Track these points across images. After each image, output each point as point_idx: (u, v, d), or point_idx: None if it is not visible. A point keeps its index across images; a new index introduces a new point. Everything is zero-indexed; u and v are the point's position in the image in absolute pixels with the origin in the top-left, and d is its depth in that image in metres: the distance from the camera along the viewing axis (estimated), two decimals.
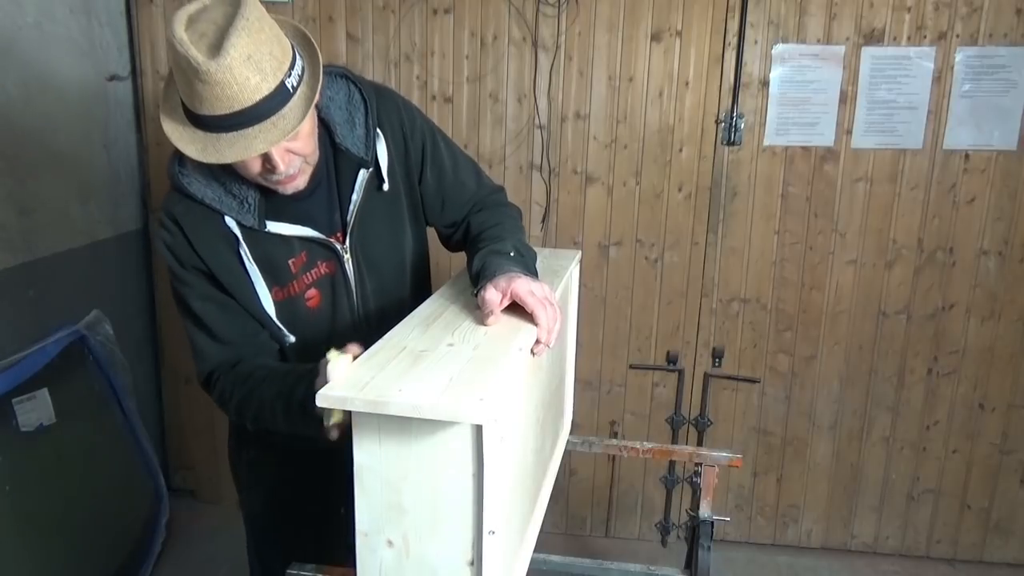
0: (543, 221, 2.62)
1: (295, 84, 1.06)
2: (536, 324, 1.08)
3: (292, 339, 1.28)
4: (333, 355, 0.95)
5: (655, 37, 2.47)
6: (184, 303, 1.25)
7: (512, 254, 1.18)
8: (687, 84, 2.49)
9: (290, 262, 1.26)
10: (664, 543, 2.85)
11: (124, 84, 2.64)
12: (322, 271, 1.29)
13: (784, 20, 2.42)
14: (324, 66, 1.14)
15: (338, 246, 1.28)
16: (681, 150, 2.54)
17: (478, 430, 0.84)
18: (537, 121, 2.55)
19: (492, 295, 1.08)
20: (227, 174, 1.18)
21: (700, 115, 2.51)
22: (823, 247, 2.57)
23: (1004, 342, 2.57)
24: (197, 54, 0.97)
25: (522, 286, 1.08)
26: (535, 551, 1.27)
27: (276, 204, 1.23)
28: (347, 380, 0.88)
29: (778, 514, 2.81)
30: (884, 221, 2.53)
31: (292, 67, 1.06)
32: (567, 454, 1.76)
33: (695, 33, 2.45)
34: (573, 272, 1.64)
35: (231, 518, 2.91)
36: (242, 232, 1.20)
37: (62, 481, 2.14)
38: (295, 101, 1.06)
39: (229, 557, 2.66)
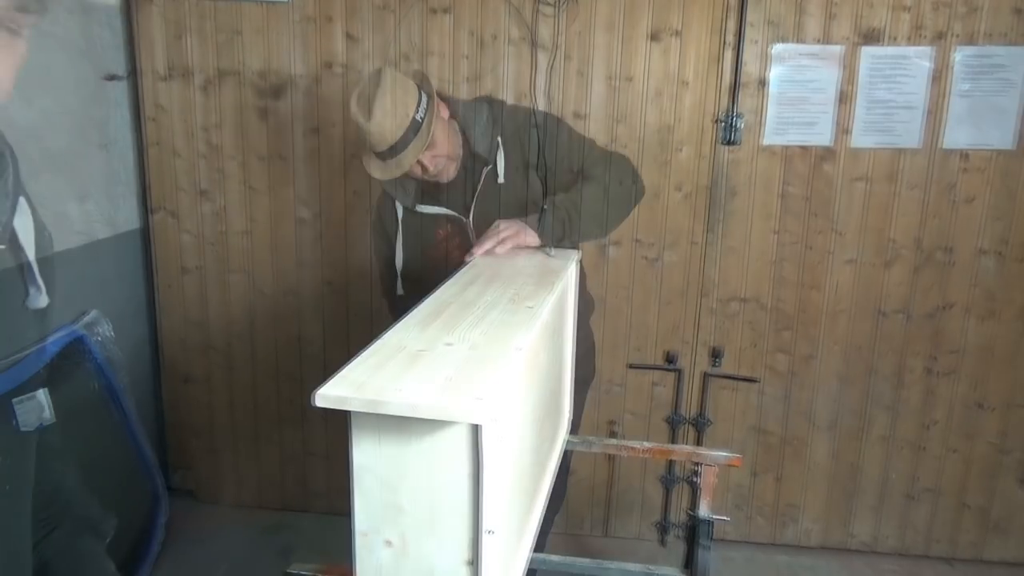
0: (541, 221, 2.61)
1: (421, 116, 1.67)
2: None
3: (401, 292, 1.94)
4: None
5: (654, 37, 2.47)
6: (375, 243, 2.05)
7: (545, 207, 1.72)
8: (686, 84, 2.49)
9: (438, 231, 1.91)
10: (663, 543, 2.86)
11: (123, 84, 2.64)
12: (458, 238, 1.90)
13: (783, 20, 2.42)
14: (478, 97, 1.98)
15: (464, 219, 1.87)
16: (680, 150, 2.54)
17: (476, 430, 0.84)
18: (536, 121, 2.54)
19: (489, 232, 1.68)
20: (403, 177, 1.80)
21: (699, 115, 2.51)
22: (822, 246, 2.57)
23: (1003, 342, 2.58)
24: (360, 119, 1.63)
25: (498, 225, 1.68)
26: (534, 551, 1.27)
27: (428, 193, 1.88)
28: (347, 380, 0.88)
29: (777, 513, 2.81)
30: (883, 221, 2.53)
31: (419, 104, 1.67)
32: (566, 454, 1.76)
33: (694, 33, 2.45)
34: (572, 272, 1.64)
35: (231, 518, 2.93)
36: (403, 211, 1.90)
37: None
38: (423, 127, 1.67)
39: (229, 557, 2.66)
